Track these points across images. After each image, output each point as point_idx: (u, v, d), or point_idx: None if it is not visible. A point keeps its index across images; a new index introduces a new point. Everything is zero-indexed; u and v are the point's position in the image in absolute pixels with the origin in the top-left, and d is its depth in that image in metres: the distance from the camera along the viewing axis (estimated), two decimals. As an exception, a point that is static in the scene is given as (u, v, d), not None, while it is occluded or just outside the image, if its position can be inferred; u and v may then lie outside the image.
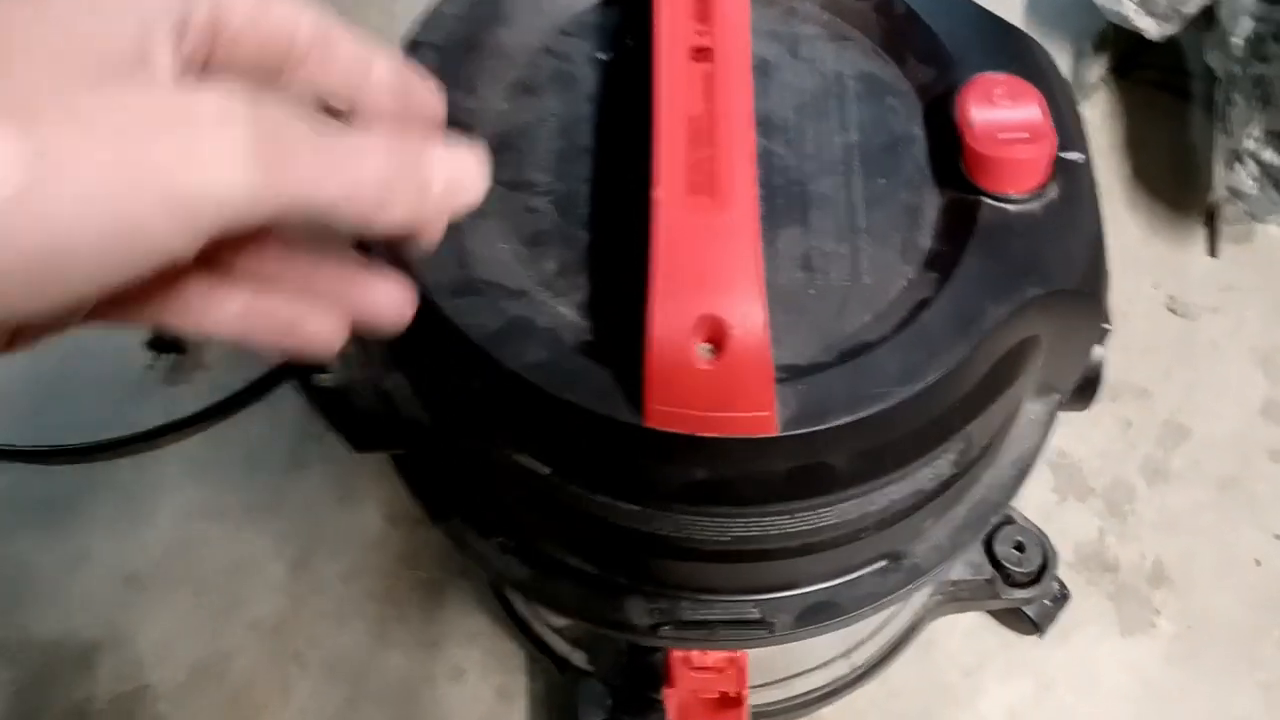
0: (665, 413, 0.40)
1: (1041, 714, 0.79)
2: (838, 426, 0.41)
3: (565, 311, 0.45)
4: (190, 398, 0.91)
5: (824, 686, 0.73)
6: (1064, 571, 0.79)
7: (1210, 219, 0.95)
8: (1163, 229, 0.96)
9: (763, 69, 0.50)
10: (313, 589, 0.85)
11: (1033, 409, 0.54)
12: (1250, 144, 0.84)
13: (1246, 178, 0.86)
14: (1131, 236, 0.96)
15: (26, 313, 0.22)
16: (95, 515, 0.88)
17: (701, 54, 0.44)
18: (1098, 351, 0.54)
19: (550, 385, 0.42)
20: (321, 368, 0.48)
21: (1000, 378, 0.46)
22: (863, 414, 0.41)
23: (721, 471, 0.43)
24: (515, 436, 0.45)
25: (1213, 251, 0.95)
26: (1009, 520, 0.75)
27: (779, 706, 0.73)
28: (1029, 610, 0.78)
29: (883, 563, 0.51)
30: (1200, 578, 0.83)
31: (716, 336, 0.39)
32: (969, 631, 0.81)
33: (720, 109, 0.42)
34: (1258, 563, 0.83)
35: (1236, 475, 0.86)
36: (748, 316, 0.39)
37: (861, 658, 0.73)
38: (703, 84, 0.43)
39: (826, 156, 0.48)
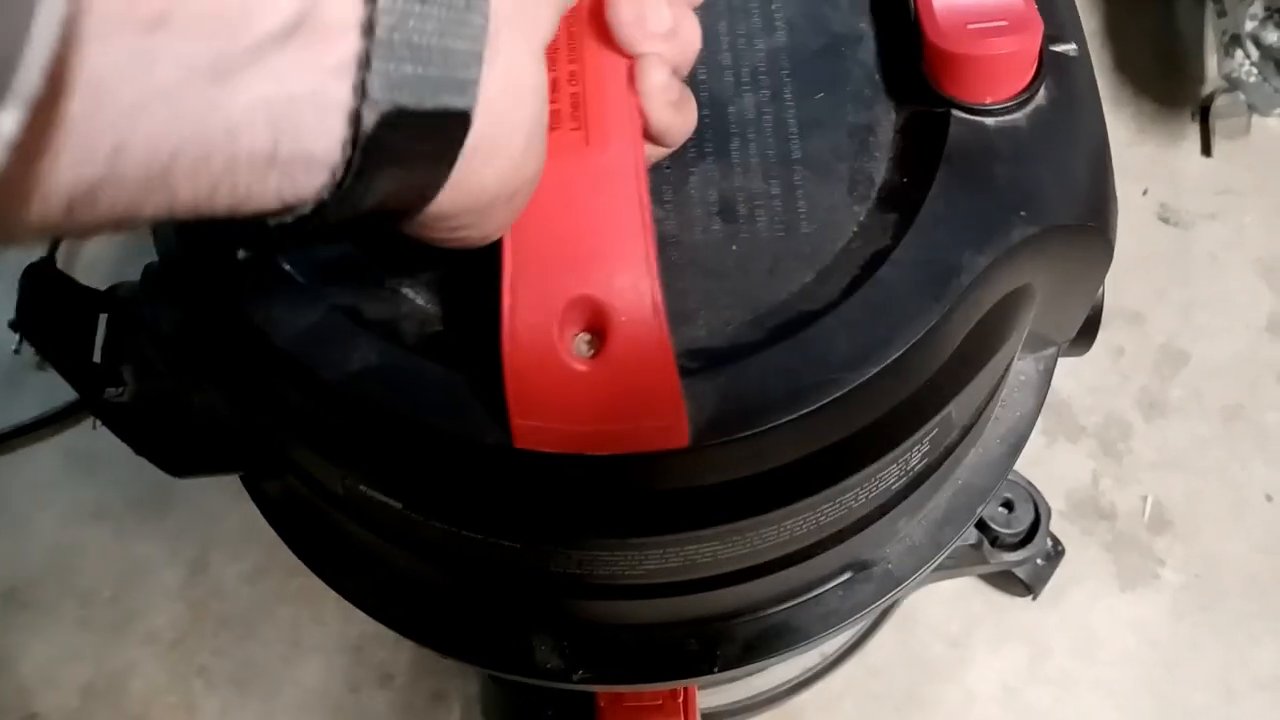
0: (536, 429, 0.30)
1: (1037, 684, 0.71)
2: (771, 430, 0.31)
3: (409, 296, 0.34)
4: (65, 383, 0.80)
5: (793, 679, 0.64)
6: (1056, 522, 0.70)
7: (1203, 114, 0.85)
8: (1150, 128, 0.86)
9: None
10: (214, 594, 0.76)
11: (1024, 368, 0.45)
12: (1250, 24, 0.74)
13: (1245, 64, 0.75)
14: (1116, 138, 0.84)
15: None
16: (-35, 524, 0.79)
17: None
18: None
19: (384, 399, 0.31)
20: (113, 379, 0.36)
21: (984, 342, 0.36)
22: (805, 410, 0.31)
23: (623, 497, 0.33)
24: (352, 463, 0.34)
25: (1207, 150, 0.85)
26: (994, 475, 0.66)
27: (741, 704, 0.64)
28: (1020, 572, 0.69)
29: (847, 575, 0.42)
30: (1206, 521, 0.75)
31: (595, 325, 0.30)
32: (953, 597, 0.73)
33: (585, 5, 0.31)
34: (1269, 499, 0.75)
35: (1242, 403, 0.78)
36: (635, 295, 0.29)
37: (833, 645, 0.64)
38: None
39: (747, 67, 0.38)
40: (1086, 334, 0.46)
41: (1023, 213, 0.34)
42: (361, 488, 0.35)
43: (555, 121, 0.29)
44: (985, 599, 0.73)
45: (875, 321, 0.32)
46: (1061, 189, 0.35)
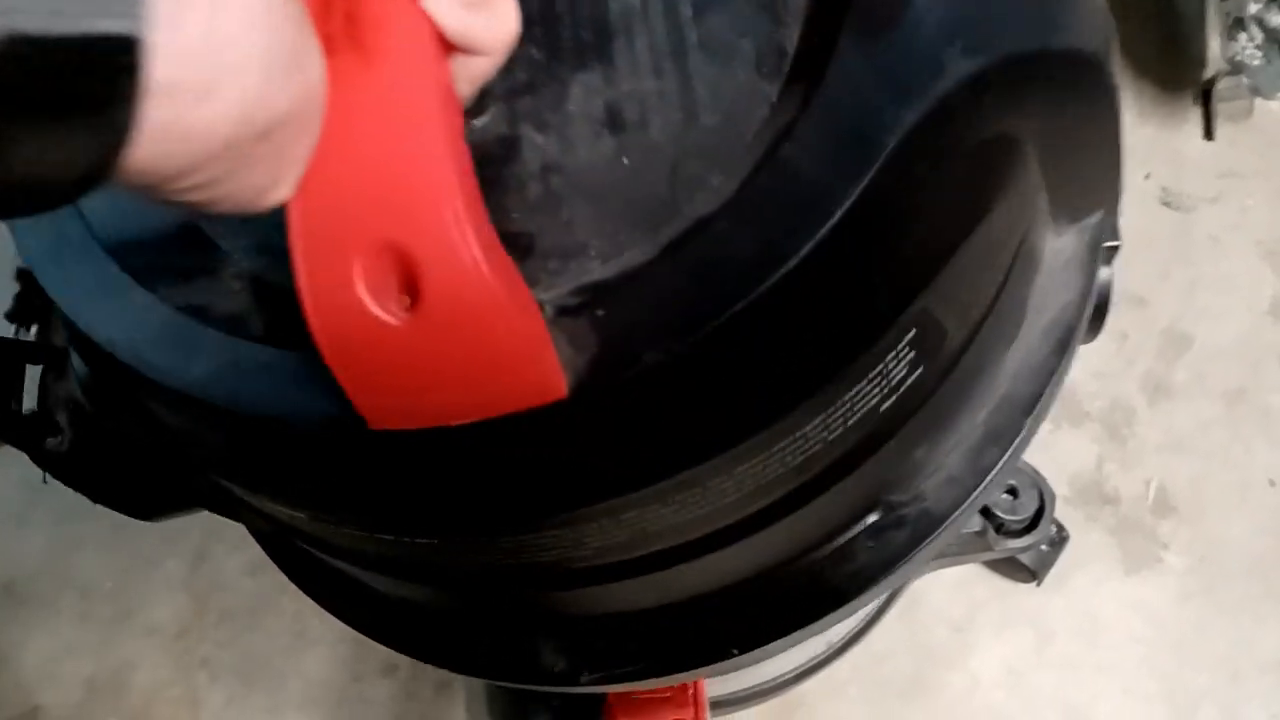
0: (383, 406, 0.25)
1: (1042, 669, 0.69)
2: (669, 361, 0.25)
3: (262, 279, 0.29)
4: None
5: (799, 666, 0.63)
6: (1060, 507, 0.67)
7: (1205, 97, 0.81)
8: (1151, 112, 0.82)
9: None
10: (216, 586, 0.74)
11: (1062, 245, 0.37)
12: (1254, 7, 0.72)
13: (1249, 46, 0.74)
14: (1116, 122, 0.84)
15: None
16: (-40, 520, 0.76)
17: None
18: (1105, 272, 0.41)
19: (230, 398, 0.27)
20: (51, 429, 0.35)
21: (952, 218, 0.29)
22: (704, 331, 0.25)
23: (519, 469, 0.28)
24: (240, 476, 0.31)
25: (1209, 134, 0.81)
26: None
27: (745, 693, 0.62)
28: (1024, 558, 0.68)
29: (873, 517, 0.35)
30: (1211, 504, 0.72)
31: (407, 274, 0.24)
32: (957, 582, 0.71)
33: None
34: (1272, 483, 0.72)
35: (1245, 386, 0.75)
36: (446, 233, 0.23)
37: (839, 634, 0.63)
38: None
39: None
40: (1095, 322, 0.43)
41: (960, 45, 0.27)
42: (266, 505, 0.31)
43: (330, 45, 0.24)
44: (989, 584, 0.71)
45: (778, 214, 0.26)
46: (1013, 10, 0.28)
